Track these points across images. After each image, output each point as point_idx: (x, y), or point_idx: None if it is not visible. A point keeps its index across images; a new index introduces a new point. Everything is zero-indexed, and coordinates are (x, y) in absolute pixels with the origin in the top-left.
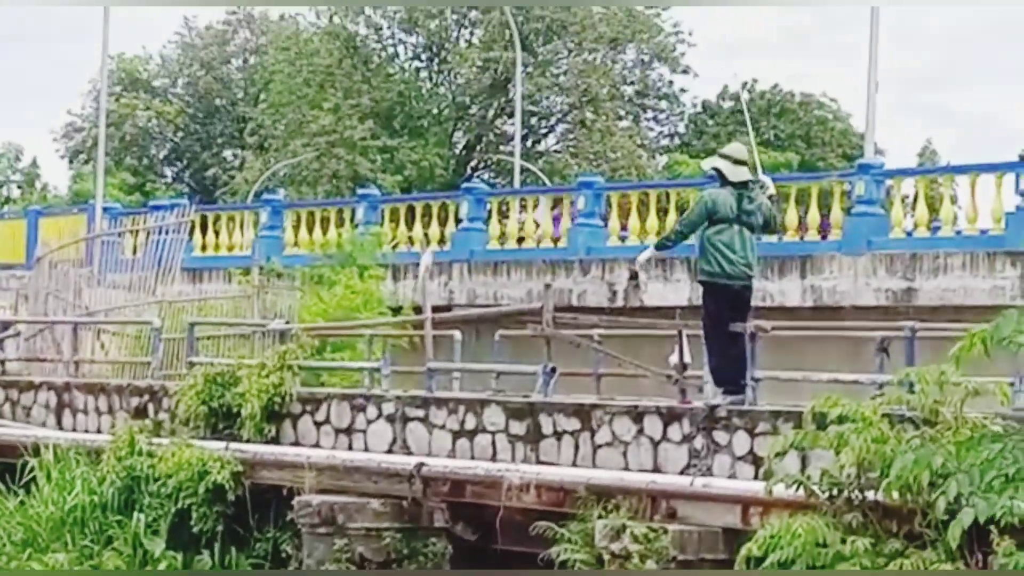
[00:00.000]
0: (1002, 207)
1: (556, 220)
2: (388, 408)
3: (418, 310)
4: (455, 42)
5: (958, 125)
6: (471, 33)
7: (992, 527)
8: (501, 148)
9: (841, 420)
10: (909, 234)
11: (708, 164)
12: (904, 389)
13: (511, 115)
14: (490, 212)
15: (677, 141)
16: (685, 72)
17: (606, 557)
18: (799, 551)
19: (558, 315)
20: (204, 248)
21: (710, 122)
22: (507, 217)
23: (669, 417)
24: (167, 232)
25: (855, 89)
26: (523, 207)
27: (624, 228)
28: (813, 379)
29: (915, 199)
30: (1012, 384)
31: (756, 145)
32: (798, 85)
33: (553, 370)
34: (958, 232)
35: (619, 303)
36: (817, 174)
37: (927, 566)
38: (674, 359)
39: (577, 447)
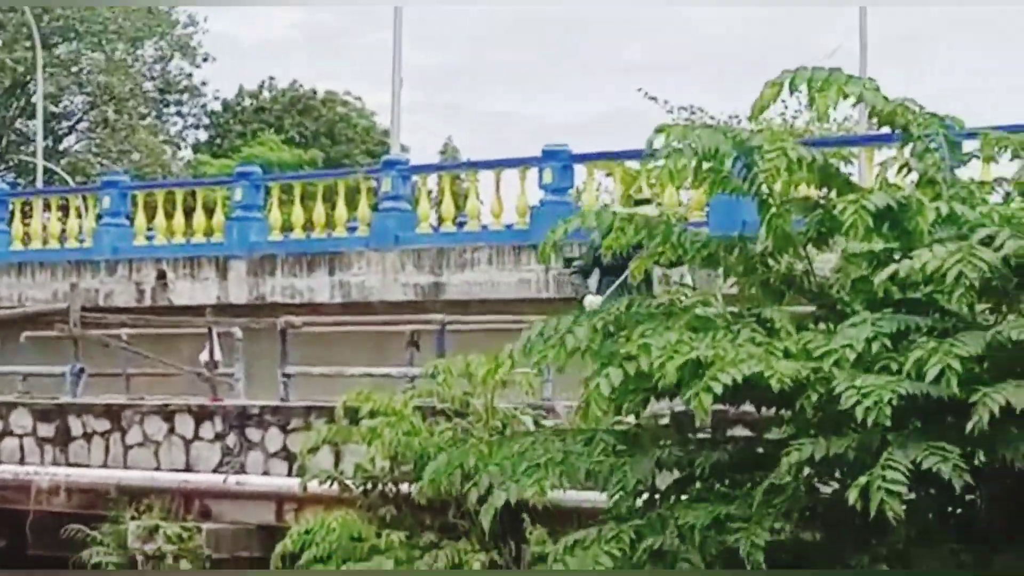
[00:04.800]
0: (526, 201)
1: None
2: None
3: None
4: None
5: (478, 123)
6: None
7: (524, 515)
8: (22, 148)
9: (373, 414)
10: (436, 229)
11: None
12: (435, 382)
13: (32, 115)
14: (12, 213)
15: (203, 134)
16: (205, 60)
17: (139, 558)
18: (334, 546)
19: (85, 315)
20: None
21: (232, 120)
22: (30, 218)
23: (201, 415)
24: None
25: (380, 88)
26: (47, 207)
27: (150, 228)
28: (346, 374)
29: (440, 195)
30: (541, 373)
31: (281, 143)
32: (321, 84)
33: (81, 371)
34: (484, 227)
35: (147, 303)
36: (343, 170)
37: (462, 556)
38: (204, 356)
39: (108, 448)
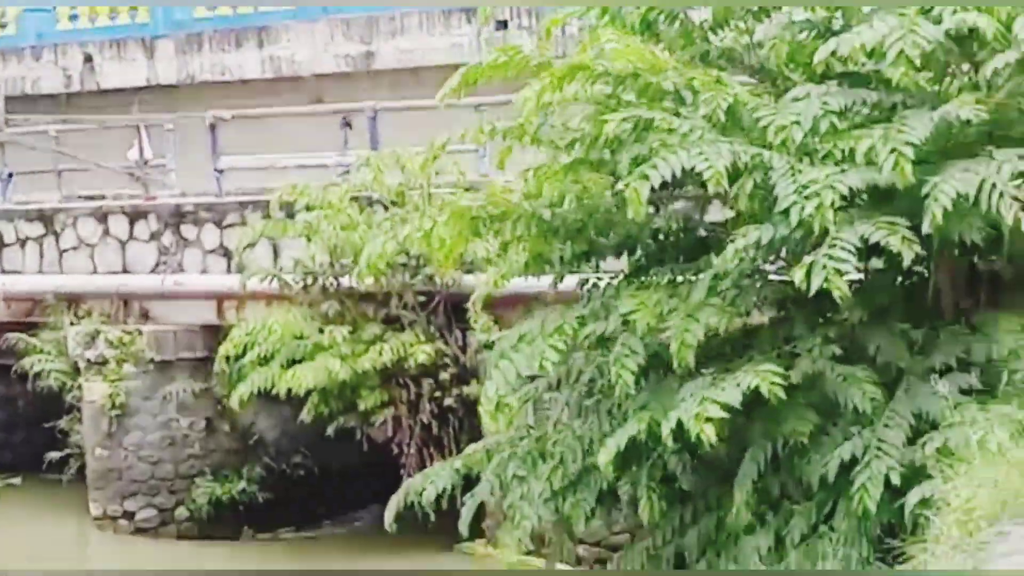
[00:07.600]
0: None
1: None
2: None
3: None
4: None
5: None
6: None
7: (468, 305)
8: None
9: (309, 208)
10: None
11: None
12: (370, 173)
13: None
14: None
15: None
16: None
17: (82, 365)
18: (277, 345)
19: (11, 116)
20: None
21: None
22: None
23: (135, 215)
24: None
25: None
26: None
27: (74, 10)
28: (279, 165)
29: None
30: (477, 151)
31: None
32: None
33: (10, 176)
34: None
35: (75, 88)
36: None
37: (407, 349)
38: (134, 154)
39: (42, 253)
